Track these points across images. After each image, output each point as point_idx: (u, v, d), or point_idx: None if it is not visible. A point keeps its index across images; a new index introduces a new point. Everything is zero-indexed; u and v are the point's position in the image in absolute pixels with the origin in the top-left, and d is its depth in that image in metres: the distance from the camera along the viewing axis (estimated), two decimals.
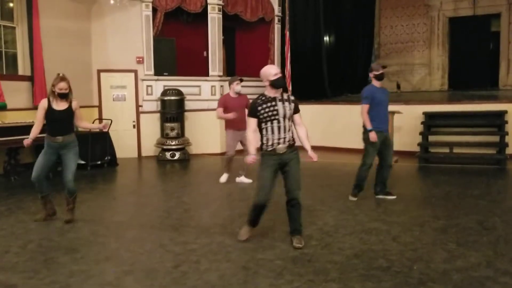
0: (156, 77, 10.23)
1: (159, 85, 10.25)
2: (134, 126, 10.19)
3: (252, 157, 4.18)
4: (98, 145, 8.80)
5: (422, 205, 5.84)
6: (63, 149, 4.95)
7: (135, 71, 10.17)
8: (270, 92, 4.15)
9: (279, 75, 4.14)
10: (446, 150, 9.10)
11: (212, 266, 3.79)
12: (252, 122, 4.17)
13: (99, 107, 10.05)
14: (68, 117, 4.96)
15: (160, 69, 10.30)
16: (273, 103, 4.12)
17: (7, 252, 4.15)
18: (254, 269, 3.72)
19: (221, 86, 10.75)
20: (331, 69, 13.22)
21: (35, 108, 7.29)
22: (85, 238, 4.57)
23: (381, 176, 6.03)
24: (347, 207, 5.64)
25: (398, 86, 16.17)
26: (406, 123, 9.52)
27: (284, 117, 4.11)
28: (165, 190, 7.16)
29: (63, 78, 4.94)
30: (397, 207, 5.64)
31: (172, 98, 9.86)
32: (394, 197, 6.02)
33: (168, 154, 9.74)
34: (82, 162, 8.54)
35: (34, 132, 5.02)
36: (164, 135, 9.86)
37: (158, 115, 10.10)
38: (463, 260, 3.84)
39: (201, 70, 11.03)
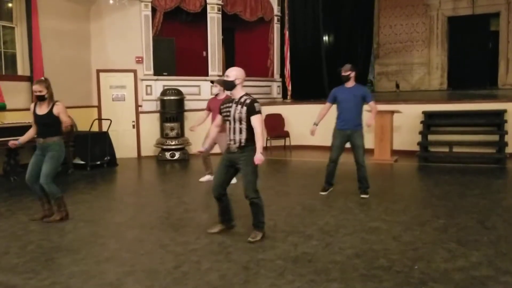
0: (155, 77, 10.23)
1: (158, 85, 10.24)
2: (133, 126, 10.18)
3: (201, 149, 4.60)
4: (98, 145, 8.79)
5: (422, 204, 5.84)
6: (44, 151, 5.05)
7: (135, 71, 10.16)
8: (234, 93, 4.31)
9: (225, 77, 4.32)
10: (446, 149, 9.10)
11: (213, 266, 3.78)
12: (218, 118, 4.51)
13: (99, 107, 10.04)
14: (48, 121, 5.01)
15: (160, 69, 10.29)
16: (230, 104, 4.32)
17: (7, 253, 4.14)
18: (255, 269, 3.72)
19: None
20: (330, 69, 13.17)
21: None
22: (85, 239, 4.56)
23: (357, 175, 6.16)
24: (347, 207, 5.63)
25: (397, 86, 16.19)
26: (405, 123, 9.53)
27: (234, 119, 4.25)
28: (165, 190, 7.15)
29: (38, 81, 5.07)
30: (398, 206, 5.64)
31: (172, 98, 9.85)
32: (366, 196, 6.06)
33: (167, 154, 9.73)
34: (82, 162, 8.55)
35: (27, 134, 5.22)
36: (163, 135, 9.86)
37: (157, 115, 10.10)
38: (464, 260, 3.84)
39: (200, 70, 11.03)
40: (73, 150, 8.27)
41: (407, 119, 9.48)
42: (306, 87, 12.24)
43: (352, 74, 6.08)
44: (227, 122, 4.33)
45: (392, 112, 9.18)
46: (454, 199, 5.93)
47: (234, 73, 4.30)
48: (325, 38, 13.98)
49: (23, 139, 5.25)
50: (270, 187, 6.90)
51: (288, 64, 12.03)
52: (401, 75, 17.19)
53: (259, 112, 4.24)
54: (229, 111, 4.28)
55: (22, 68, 8.57)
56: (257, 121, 4.22)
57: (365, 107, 6.20)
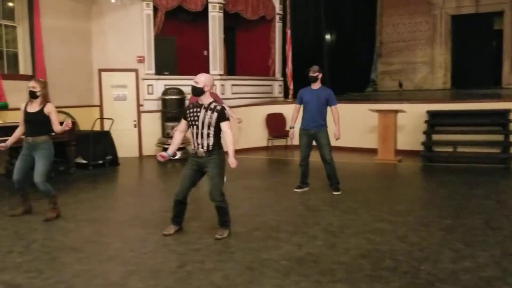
0: (157, 76, 10.22)
1: (159, 84, 10.24)
2: (135, 126, 10.18)
3: (162, 153, 4.48)
4: (100, 145, 8.79)
5: (427, 205, 5.83)
6: (33, 150, 5.11)
7: (136, 70, 10.15)
8: (202, 99, 4.38)
9: (194, 83, 4.37)
10: (450, 149, 9.08)
11: (217, 266, 3.78)
12: (181, 123, 4.54)
13: (100, 106, 10.04)
14: (39, 119, 5.11)
15: (161, 68, 10.29)
16: (198, 109, 4.39)
17: (10, 252, 4.14)
18: (259, 270, 3.71)
19: (222, 85, 10.75)
20: (332, 68, 13.21)
21: None
22: (88, 238, 4.56)
23: (325, 172, 6.37)
24: (351, 208, 5.61)
25: (400, 85, 16.17)
26: (409, 122, 9.51)
27: (203, 124, 4.33)
28: (167, 189, 7.12)
29: (36, 79, 5.28)
30: (402, 207, 5.62)
31: (173, 97, 9.84)
32: (338, 192, 6.24)
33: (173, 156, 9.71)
34: (84, 161, 8.55)
35: (14, 135, 5.32)
36: (165, 134, 9.85)
37: (159, 114, 10.09)
38: (471, 260, 3.83)
39: (201, 69, 10.97)
40: (75, 149, 8.24)
41: (411, 119, 9.46)
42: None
43: (319, 76, 6.31)
44: (194, 127, 4.37)
45: (396, 111, 9.17)
46: (459, 200, 5.92)
47: (203, 79, 4.39)
48: (327, 36, 13.97)
49: (10, 141, 5.35)
50: (271, 187, 6.91)
51: (290, 63, 12.01)
52: (404, 74, 17.17)
53: (228, 118, 4.41)
54: (197, 116, 4.35)
55: (24, 67, 8.58)
56: (227, 127, 4.38)
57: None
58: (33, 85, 5.14)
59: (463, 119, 9.29)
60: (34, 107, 5.16)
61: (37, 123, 5.12)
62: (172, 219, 4.69)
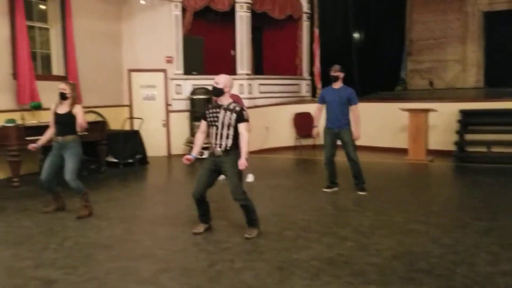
0: (185, 77, 10.31)
1: (187, 84, 10.32)
2: (163, 125, 10.30)
3: (187, 156, 4.52)
4: (129, 144, 8.92)
5: (461, 206, 5.69)
6: (63, 149, 5.27)
7: (165, 71, 10.27)
8: (222, 100, 4.41)
9: (215, 84, 4.43)
10: (484, 149, 8.82)
11: (247, 266, 3.78)
12: (202, 124, 4.57)
13: (130, 106, 10.19)
14: (68, 120, 5.29)
15: (189, 68, 10.37)
16: (217, 110, 4.43)
17: (46, 249, 4.24)
18: (289, 270, 3.69)
19: (249, 84, 10.76)
20: (361, 67, 13.03)
21: None
22: (120, 235, 4.63)
23: (351, 171, 6.34)
24: (382, 208, 5.53)
25: (431, 83, 15.82)
26: (441, 121, 9.31)
27: (223, 125, 4.36)
28: None
29: (66, 81, 5.57)
30: (435, 208, 5.50)
31: (201, 97, 9.91)
32: (363, 193, 6.16)
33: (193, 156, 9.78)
34: (114, 160, 8.70)
35: (45, 136, 5.48)
36: (193, 134, 9.92)
37: (187, 114, 10.18)
38: (508, 264, 3.71)
39: (228, 69, 11.04)
40: (106, 149, 8.40)
41: (443, 118, 9.25)
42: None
43: (341, 75, 6.27)
44: (213, 127, 4.41)
45: (427, 110, 8.98)
46: (495, 201, 5.75)
47: (223, 81, 4.43)
48: (356, 35, 13.78)
49: (41, 141, 5.51)
50: (300, 187, 6.87)
51: (318, 62, 11.93)
52: (435, 72, 16.78)
53: (246, 120, 4.42)
54: (217, 117, 4.39)
55: (57, 68, 8.78)
56: (244, 129, 4.39)
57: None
58: (63, 87, 5.32)
59: (497, 118, 9.02)
60: (63, 109, 5.32)
61: (67, 124, 5.29)
62: (199, 218, 4.72)
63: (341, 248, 4.15)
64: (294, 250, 4.11)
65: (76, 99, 5.41)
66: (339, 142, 6.32)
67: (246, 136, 4.38)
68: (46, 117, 7.90)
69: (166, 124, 10.32)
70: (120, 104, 10.03)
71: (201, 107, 9.82)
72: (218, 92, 4.42)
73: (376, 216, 5.17)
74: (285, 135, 11.11)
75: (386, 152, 9.90)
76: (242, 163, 4.32)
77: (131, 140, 8.99)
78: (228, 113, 4.38)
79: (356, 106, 6.24)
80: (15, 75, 7.73)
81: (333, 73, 6.25)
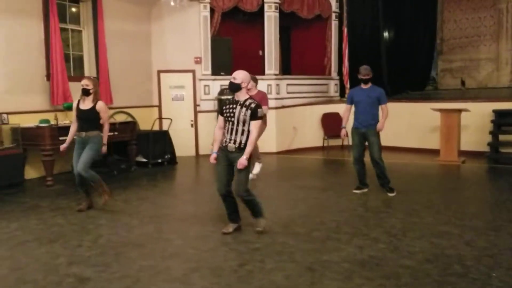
0: (213, 77, 10.37)
1: (216, 85, 10.38)
2: (192, 125, 10.39)
3: (213, 156, 4.56)
4: (158, 144, 9.04)
5: (495, 208, 5.53)
6: (85, 144, 5.43)
7: (193, 71, 10.36)
8: (238, 95, 4.42)
9: (232, 79, 4.44)
10: None
11: (277, 267, 3.77)
12: (219, 120, 4.61)
13: (159, 106, 10.33)
14: (91, 116, 5.45)
15: (217, 69, 10.43)
16: (234, 106, 4.44)
17: (80, 246, 4.34)
18: (320, 271, 3.66)
19: (277, 84, 10.74)
20: (390, 66, 12.85)
21: None
22: (151, 234, 4.70)
23: (375, 172, 6.30)
24: (413, 209, 5.43)
25: (463, 83, 15.45)
26: (473, 122, 9.08)
27: (238, 121, 4.36)
28: None
29: (88, 77, 5.77)
30: (469, 210, 5.37)
31: (229, 97, 9.84)
32: (392, 194, 6.13)
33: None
34: (144, 160, 8.83)
35: (70, 134, 5.63)
36: None
37: (215, 114, 10.22)
38: None
39: (256, 69, 11.05)
40: (136, 148, 8.54)
41: (475, 118, 9.02)
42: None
43: (370, 77, 6.19)
44: (229, 123, 4.43)
45: (459, 110, 8.77)
46: None
47: (241, 76, 4.43)
48: (385, 34, 13.60)
49: (68, 141, 5.67)
50: (329, 188, 6.82)
51: (347, 61, 11.78)
52: (467, 71, 16.37)
53: (260, 118, 4.40)
54: (233, 112, 4.40)
55: (89, 69, 8.99)
56: (255, 127, 4.37)
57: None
58: (86, 83, 5.47)
59: None
60: (87, 105, 5.47)
61: (90, 119, 5.45)
62: (228, 217, 4.73)
63: (373, 250, 4.09)
64: (324, 252, 4.08)
65: (98, 95, 5.56)
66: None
67: (254, 135, 4.37)
68: None
69: (194, 124, 10.41)
70: (149, 104, 10.18)
71: None
72: (235, 87, 4.42)
73: (407, 218, 5.09)
74: (313, 136, 11.05)
75: (416, 152, 9.73)
76: (242, 162, 4.32)
77: (160, 140, 9.11)
78: (244, 109, 4.37)
79: (386, 105, 6.19)
80: (48, 76, 7.95)
81: (361, 77, 6.16)
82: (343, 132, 6.44)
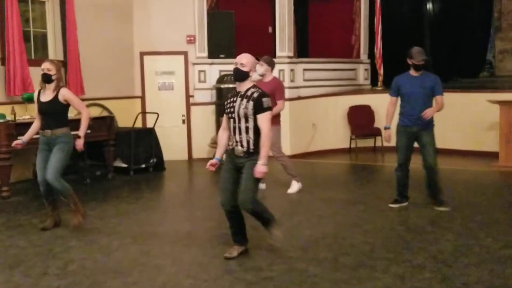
0: (210, 60, 10.42)
1: (214, 70, 10.43)
2: (183, 122, 10.44)
3: (211, 162, 4.58)
4: (142, 146, 9.07)
5: None
6: (51, 145, 5.43)
7: (185, 53, 10.42)
8: (241, 85, 4.46)
9: (240, 65, 4.42)
10: None
11: None
12: (224, 119, 4.64)
13: (143, 98, 10.38)
14: (55, 109, 5.43)
15: (216, 50, 10.46)
16: (234, 98, 4.46)
17: (45, 274, 4.35)
18: None
19: (291, 70, 10.76)
20: (435, 47, 12.85)
21: None
22: (136, 259, 4.71)
23: (426, 181, 6.28)
24: (467, 229, 5.46)
25: None
26: None
27: (239, 116, 4.37)
28: None
29: (51, 60, 5.71)
30: None
31: (231, 86, 9.94)
32: (444, 208, 6.11)
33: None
34: (124, 165, 8.87)
35: (30, 129, 5.64)
36: None
37: (212, 107, 10.29)
38: None
39: (265, 50, 11.06)
40: (114, 151, 8.55)
41: None
42: (403, 70, 11.87)
43: (423, 62, 6.13)
44: (231, 120, 4.46)
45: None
46: None
47: (251, 62, 4.45)
48: (429, 6, 13.60)
49: (27, 136, 5.68)
50: (359, 201, 6.84)
51: (380, 41, 11.83)
52: None
53: (268, 109, 4.35)
54: (233, 107, 4.40)
55: (54, 50, 9.03)
56: (265, 121, 4.34)
57: None
58: (48, 66, 5.43)
59: None
60: (47, 95, 5.47)
61: (53, 113, 5.44)
62: (232, 237, 4.75)
63: (417, 280, 4.10)
64: (356, 283, 4.09)
65: (61, 81, 5.55)
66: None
67: (266, 132, 4.34)
68: None
69: (187, 120, 10.45)
70: (130, 95, 10.24)
71: None
72: (243, 75, 4.44)
73: (460, 240, 5.10)
74: (338, 135, 11.09)
75: (469, 156, 9.74)
76: (259, 170, 4.33)
77: (144, 141, 9.15)
78: (244, 101, 4.37)
79: (442, 97, 6.15)
80: (3, 60, 7.99)
81: (416, 63, 6.08)
82: (387, 133, 6.40)
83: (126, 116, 9.75)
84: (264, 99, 4.36)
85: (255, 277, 4.23)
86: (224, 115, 4.60)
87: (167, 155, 9.60)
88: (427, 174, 6.23)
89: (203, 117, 10.38)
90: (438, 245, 4.95)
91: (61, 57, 8.88)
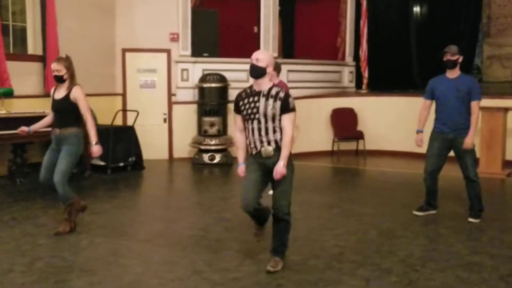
0: (193, 59, 10.47)
1: (197, 69, 10.47)
2: (165, 120, 10.47)
3: (240, 168, 4.46)
4: (121, 144, 9.08)
5: None
6: (61, 144, 5.37)
7: (168, 51, 10.45)
8: (260, 84, 4.36)
9: (255, 61, 4.31)
10: None
11: None
12: (237, 120, 4.49)
13: (123, 95, 10.41)
14: (64, 107, 5.36)
15: (199, 49, 10.51)
16: (256, 98, 4.33)
17: (11, 271, 4.39)
18: None
19: None
20: (422, 51, 12.97)
21: (46, 95, 7.66)
22: (104, 258, 4.75)
23: (467, 192, 6.13)
24: (438, 234, 5.54)
25: None
26: None
27: (266, 117, 4.29)
28: (202, 202, 7.31)
29: (57, 59, 5.49)
30: (510, 236, 5.47)
31: (213, 85, 10.03)
32: (476, 220, 5.96)
33: (206, 157, 9.92)
34: (101, 163, 8.88)
35: (42, 121, 5.60)
36: (201, 132, 10.05)
37: (195, 106, 10.32)
38: None
39: (250, 50, 11.06)
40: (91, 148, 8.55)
41: None
42: (388, 73, 12.05)
43: (460, 60, 5.99)
44: (253, 121, 4.33)
45: (506, 109, 8.88)
46: None
47: (267, 58, 4.35)
48: (416, 9, 13.72)
49: (35, 126, 5.63)
50: (336, 204, 6.91)
51: (365, 43, 11.92)
52: None
53: (293, 109, 4.31)
54: (257, 107, 4.30)
55: (34, 45, 9.04)
56: (289, 121, 4.28)
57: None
58: (56, 68, 5.32)
59: None
60: (61, 93, 5.39)
61: (64, 111, 5.36)
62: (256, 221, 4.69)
63: (382, 283, 4.17)
64: (322, 285, 4.15)
65: (75, 78, 5.43)
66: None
67: (290, 132, 4.26)
68: (20, 107, 8.17)
69: (168, 119, 10.49)
70: (110, 92, 10.26)
71: (213, 99, 10.00)
72: (260, 72, 4.32)
73: (430, 245, 5.18)
74: (320, 137, 11.16)
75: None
76: (280, 171, 4.22)
77: (123, 139, 9.18)
78: (271, 100, 4.28)
79: (478, 102, 5.92)
80: None
81: (449, 57, 5.92)
82: (418, 137, 6.15)
83: (106, 114, 9.74)
84: (290, 99, 4.29)
85: (222, 278, 4.29)
86: (238, 116, 4.45)
87: (147, 154, 9.64)
88: (468, 186, 6.05)
89: (185, 116, 10.41)
90: (408, 249, 5.03)
91: (40, 52, 8.90)
